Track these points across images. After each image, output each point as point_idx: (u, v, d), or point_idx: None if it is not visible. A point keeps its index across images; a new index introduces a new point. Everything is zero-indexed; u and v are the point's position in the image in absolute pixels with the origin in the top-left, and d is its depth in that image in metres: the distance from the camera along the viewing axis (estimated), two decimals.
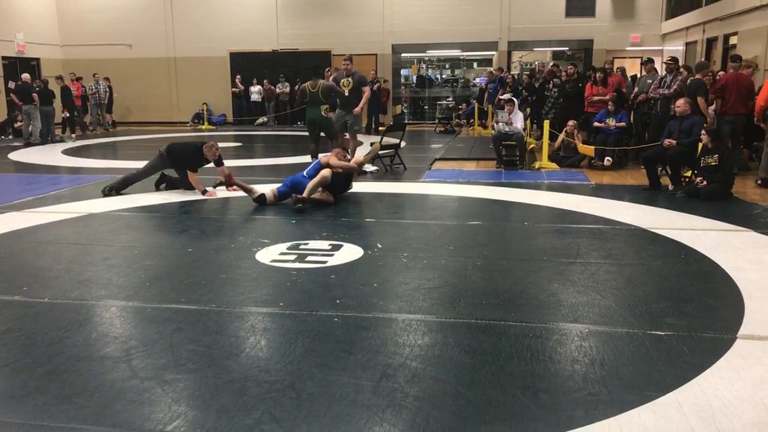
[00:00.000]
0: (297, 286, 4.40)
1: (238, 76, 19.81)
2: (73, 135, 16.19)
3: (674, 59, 9.93)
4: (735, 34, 12.51)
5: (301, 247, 5.39)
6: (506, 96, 10.70)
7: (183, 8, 20.12)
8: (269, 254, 5.15)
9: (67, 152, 13.13)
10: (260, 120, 19.63)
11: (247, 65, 19.97)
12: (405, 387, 2.93)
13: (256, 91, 19.71)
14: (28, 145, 14.21)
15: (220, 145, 11.02)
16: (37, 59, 19.77)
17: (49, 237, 5.87)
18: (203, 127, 19.17)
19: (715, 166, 7.26)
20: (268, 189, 7.21)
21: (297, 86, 18.40)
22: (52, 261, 5.07)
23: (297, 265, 4.86)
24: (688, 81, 9.11)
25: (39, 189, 8.37)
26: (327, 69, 10.29)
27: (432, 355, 3.29)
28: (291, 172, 7.94)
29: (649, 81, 10.26)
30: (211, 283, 4.47)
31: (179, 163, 7.90)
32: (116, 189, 7.83)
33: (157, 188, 8.10)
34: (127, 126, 19.76)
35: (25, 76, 14.85)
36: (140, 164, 8.54)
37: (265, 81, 19.42)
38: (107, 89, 18.50)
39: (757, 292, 4.16)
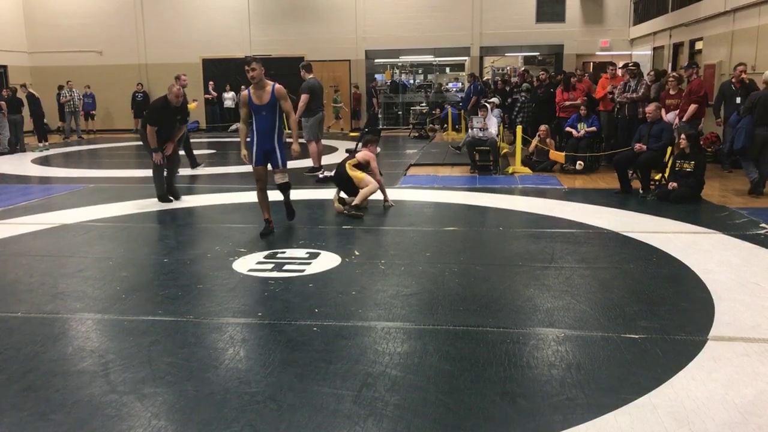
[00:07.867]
0: (275, 296, 4.39)
1: (211, 83, 19.68)
2: (41, 144, 15.92)
3: (636, 64, 10.19)
4: (700, 39, 12.78)
5: (279, 255, 5.39)
6: (481, 101, 10.80)
7: (154, 14, 19.92)
8: (246, 264, 5.14)
9: (37, 161, 12.91)
10: (234, 126, 19.51)
11: (219, 71, 19.83)
12: (385, 396, 2.95)
13: (229, 98, 19.58)
14: None
15: (194, 152, 10.92)
16: (4, 67, 19.40)
17: (20, 249, 5.77)
18: None
19: (690, 171, 7.37)
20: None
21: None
22: (24, 274, 4.99)
23: (274, 274, 4.86)
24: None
25: (8, 199, 8.22)
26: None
27: (411, 362, 3.31)
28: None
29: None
30: (188, 294, 4.45)
31: (160, 122, 7.46)
32: (168, 189, 7.64)
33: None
34: (96, 134, 19.45)
35: None
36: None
37: (242, 87, 19.25)
38: (81, 97, 18.23)
39: (726, 294, 4.26)
